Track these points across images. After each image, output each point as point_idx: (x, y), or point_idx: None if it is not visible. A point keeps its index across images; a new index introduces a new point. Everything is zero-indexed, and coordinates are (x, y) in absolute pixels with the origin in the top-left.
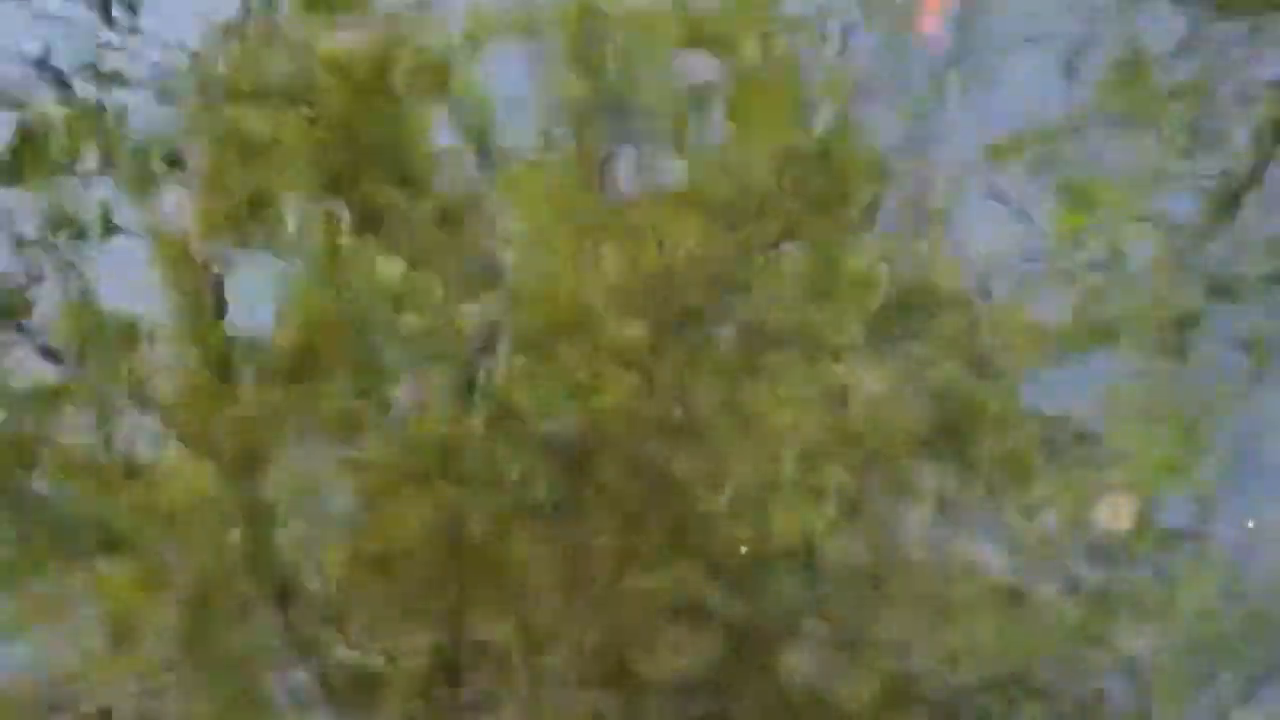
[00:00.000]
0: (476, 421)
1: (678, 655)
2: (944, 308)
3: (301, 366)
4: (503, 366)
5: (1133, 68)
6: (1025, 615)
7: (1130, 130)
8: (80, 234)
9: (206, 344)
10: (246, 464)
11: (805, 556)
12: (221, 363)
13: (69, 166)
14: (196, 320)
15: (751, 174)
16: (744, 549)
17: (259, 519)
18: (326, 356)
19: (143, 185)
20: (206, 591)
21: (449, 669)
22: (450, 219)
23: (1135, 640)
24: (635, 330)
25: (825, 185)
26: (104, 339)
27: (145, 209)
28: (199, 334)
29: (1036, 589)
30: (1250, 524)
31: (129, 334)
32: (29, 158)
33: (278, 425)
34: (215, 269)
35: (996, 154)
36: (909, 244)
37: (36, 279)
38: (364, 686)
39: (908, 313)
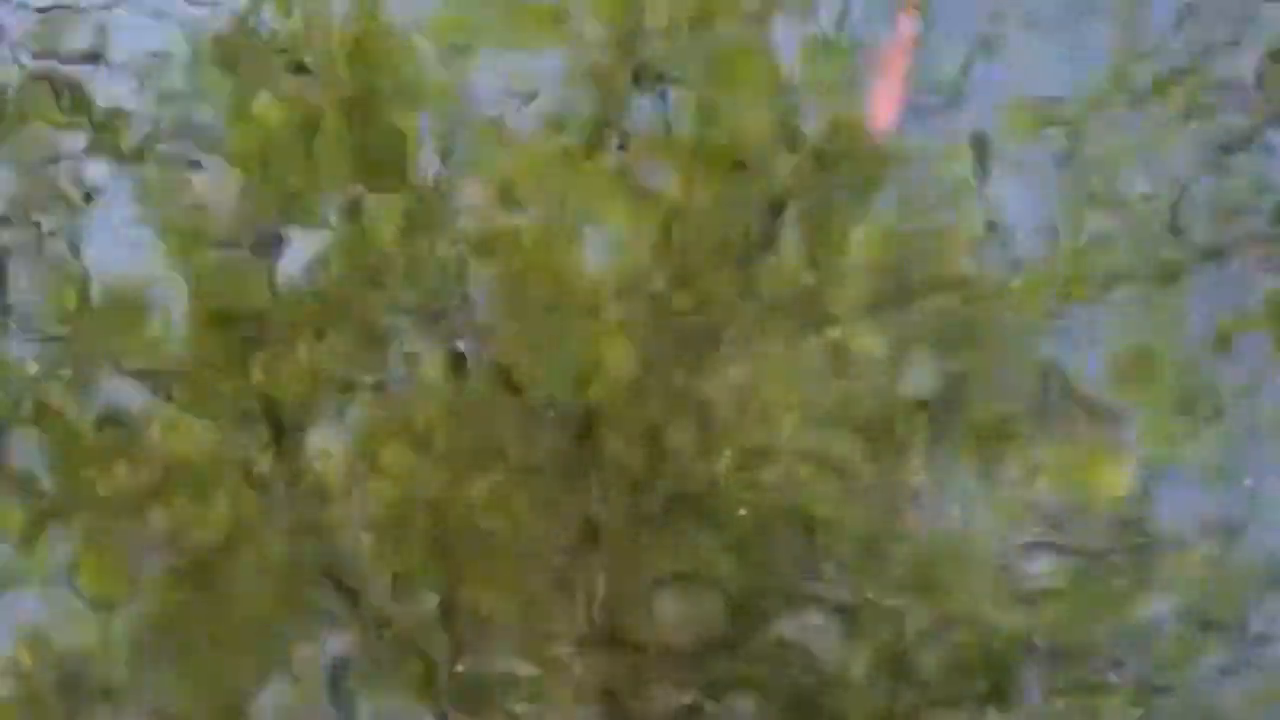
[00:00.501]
0: (475, 389)
1: (678, 622)
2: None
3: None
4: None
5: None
6: (1024, 582)
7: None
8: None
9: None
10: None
11: (806, 524)
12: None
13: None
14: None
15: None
16: (743, 513)
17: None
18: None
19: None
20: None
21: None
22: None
23: (1136, 607)
24: (637, 295)
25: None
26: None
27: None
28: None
29: (1035, 556)
30: (1249, 483)
31: (130, 310)
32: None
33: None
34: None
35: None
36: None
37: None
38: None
39: (912, 283)
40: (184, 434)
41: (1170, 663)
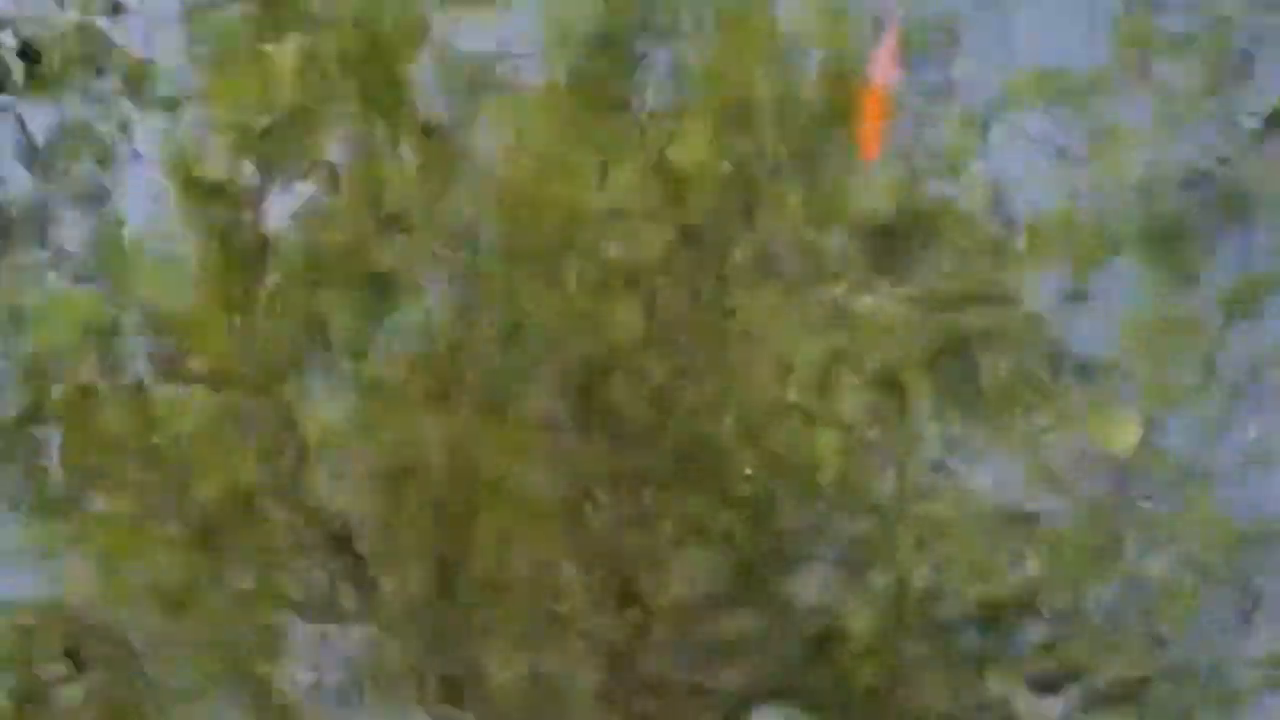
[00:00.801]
0: (483, 340)
1: (685, 579)
2: (952, 231)
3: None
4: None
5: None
6: (1031, 537)
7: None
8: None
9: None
10: (267, 380)
11: (812, 480)
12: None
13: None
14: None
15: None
16: (749, 472)
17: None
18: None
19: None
20: (222, 512)
21: (455, 589)
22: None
23: (1141, 562)
24: (642, 248)
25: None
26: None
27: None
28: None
29: (1041, 511)
30: (1252, 434)
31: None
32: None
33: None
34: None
35: (1018, 91)
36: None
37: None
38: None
39: (915, 237)
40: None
41: (1173, 617)
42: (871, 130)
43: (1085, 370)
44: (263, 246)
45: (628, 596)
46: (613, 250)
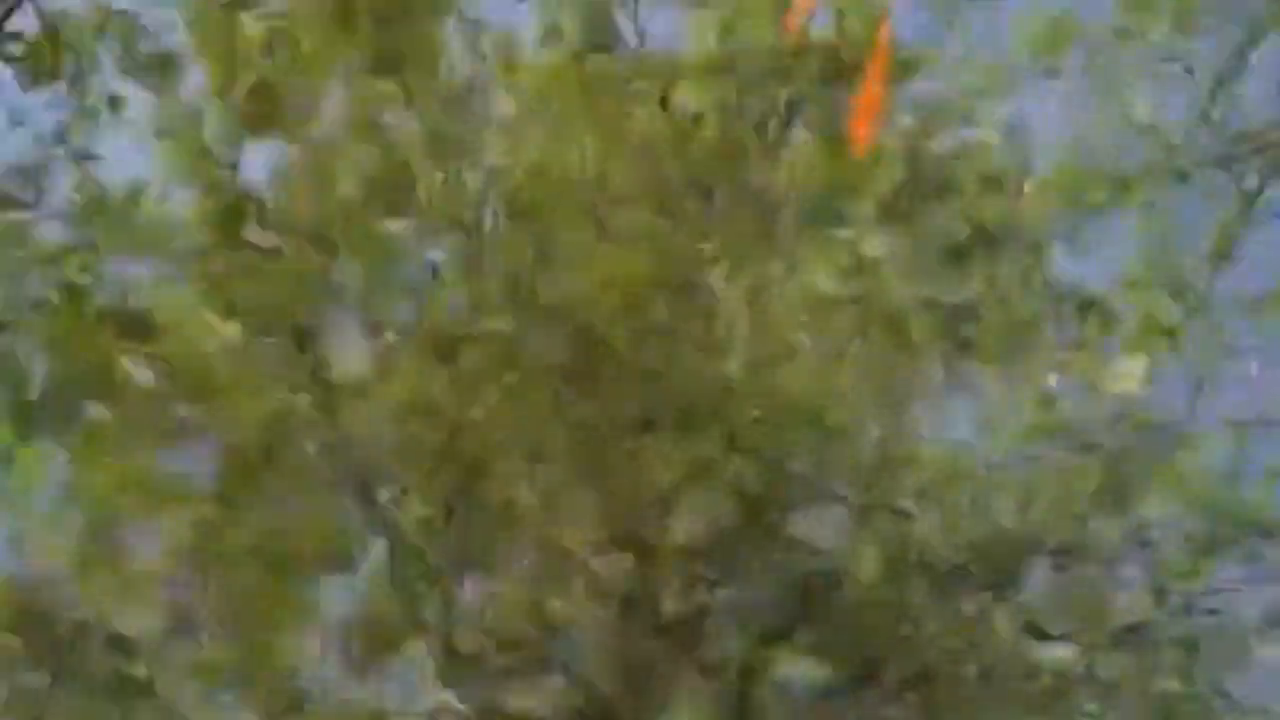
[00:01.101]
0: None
1: (690, 520)
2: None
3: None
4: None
5: None
6: (1034, 480)
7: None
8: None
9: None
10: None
11: (817, 424)
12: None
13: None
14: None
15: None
16: (756, 414)
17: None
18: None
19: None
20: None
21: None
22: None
23: (1144, 506)
24: (646, 198)
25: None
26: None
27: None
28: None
29: (1045, 455)
30: (1254, 368)
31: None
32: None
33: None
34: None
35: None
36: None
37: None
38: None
39: (922, 187)
40: (200, 329)
41: (1180, 564)
42: (874, 95)
43: (1089, 307)
44: (246, 203)
45: (635, 537)
46: (619, 198)
